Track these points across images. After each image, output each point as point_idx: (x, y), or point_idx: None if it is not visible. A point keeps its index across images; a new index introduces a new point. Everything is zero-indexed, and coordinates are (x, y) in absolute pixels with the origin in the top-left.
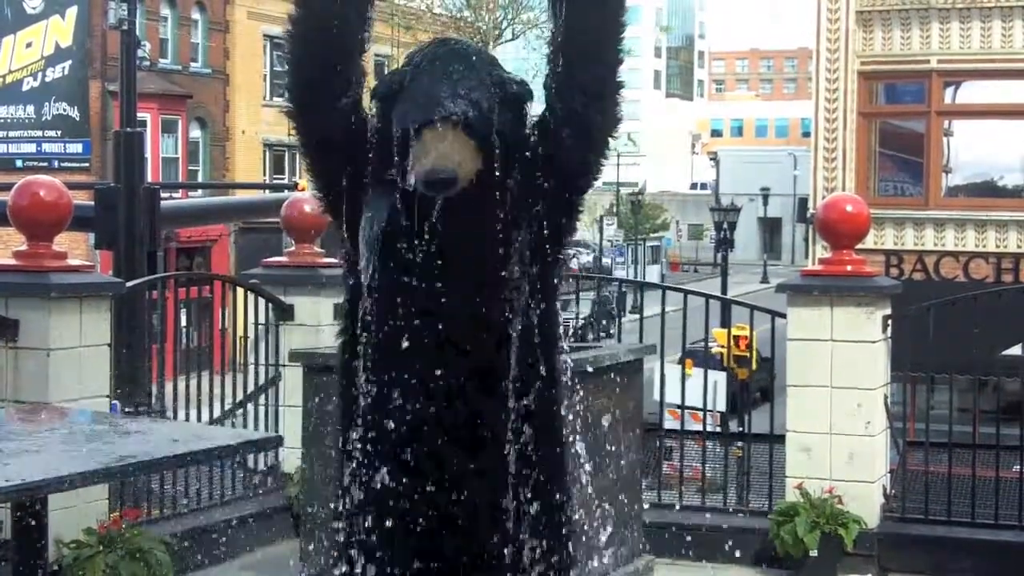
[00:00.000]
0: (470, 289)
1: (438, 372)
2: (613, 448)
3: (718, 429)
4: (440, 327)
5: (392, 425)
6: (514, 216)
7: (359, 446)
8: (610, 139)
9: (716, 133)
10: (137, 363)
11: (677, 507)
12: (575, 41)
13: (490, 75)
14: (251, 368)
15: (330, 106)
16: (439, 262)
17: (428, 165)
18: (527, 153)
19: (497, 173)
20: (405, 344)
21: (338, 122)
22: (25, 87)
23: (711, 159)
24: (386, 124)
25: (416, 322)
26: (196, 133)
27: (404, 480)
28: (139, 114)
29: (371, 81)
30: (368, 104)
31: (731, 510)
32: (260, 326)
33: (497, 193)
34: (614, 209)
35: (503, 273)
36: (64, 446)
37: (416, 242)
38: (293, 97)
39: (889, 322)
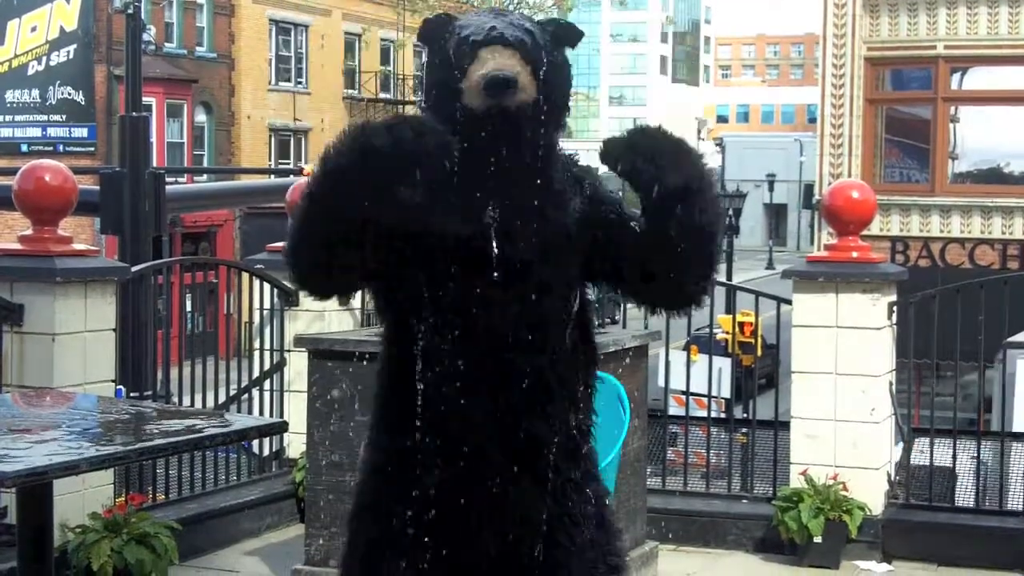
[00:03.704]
0: (534, 292)
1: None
2: None
3: (723, 415)
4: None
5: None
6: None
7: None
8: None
9: (722, 119)
10: (142, 348)
11: (681, 493)
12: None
13: (532, 21)
14: (256, 353)
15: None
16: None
17: (488, 68)
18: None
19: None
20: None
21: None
22: (30, 71)
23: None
24: (439, 57)
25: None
26: (201, 118)
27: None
28: (144, 99)
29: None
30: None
31: (735, 496)
32: (265, 311)
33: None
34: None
35: (566, 280)
36: (69, 431)
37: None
38: (307, 262)
39: (895, 309)
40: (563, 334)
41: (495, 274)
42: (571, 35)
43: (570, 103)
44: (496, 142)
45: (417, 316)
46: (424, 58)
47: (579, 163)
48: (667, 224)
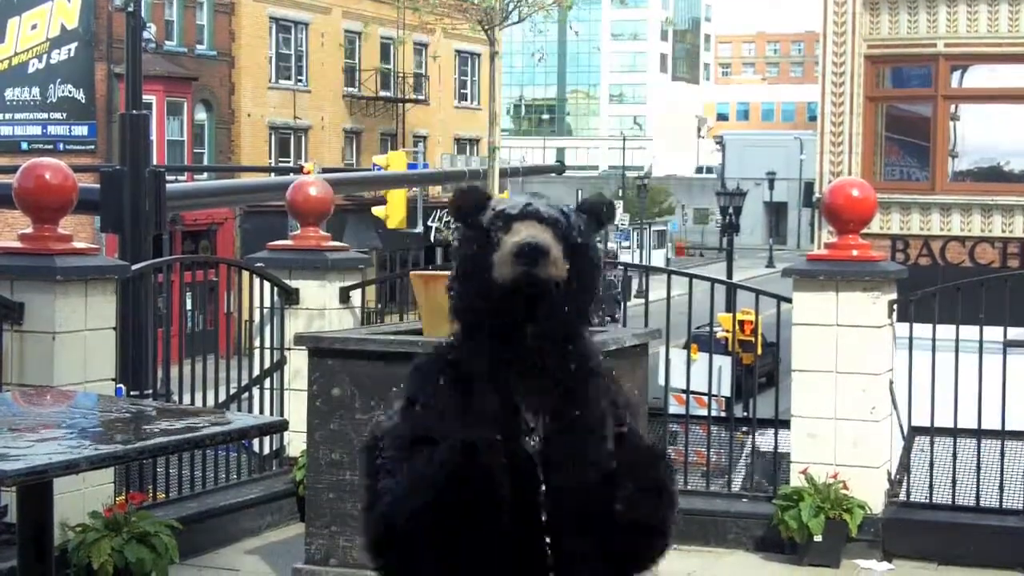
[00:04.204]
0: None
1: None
2: None
3: (723, 414)
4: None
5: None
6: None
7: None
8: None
9: (722, 117)
10: (142, 347)
11: (681, 492)
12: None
13: (571, 211)
14: (256, 352)
15: None
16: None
17: (520, 238)
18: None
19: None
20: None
21: None
22: (31, 69)
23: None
24: (473, 230)
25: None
26: (201, 116)
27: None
28: (144, 97)
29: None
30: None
31: (736, 495)
32: (265, 310)
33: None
34: (619, 193)
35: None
36: (69, 430)
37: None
38: None
39: (895, 307)
40: (596, 539)
41: (526, 485)
42: (607, 211)
43: (598, 289)
44: (525, 314)
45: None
46: (457, 234)
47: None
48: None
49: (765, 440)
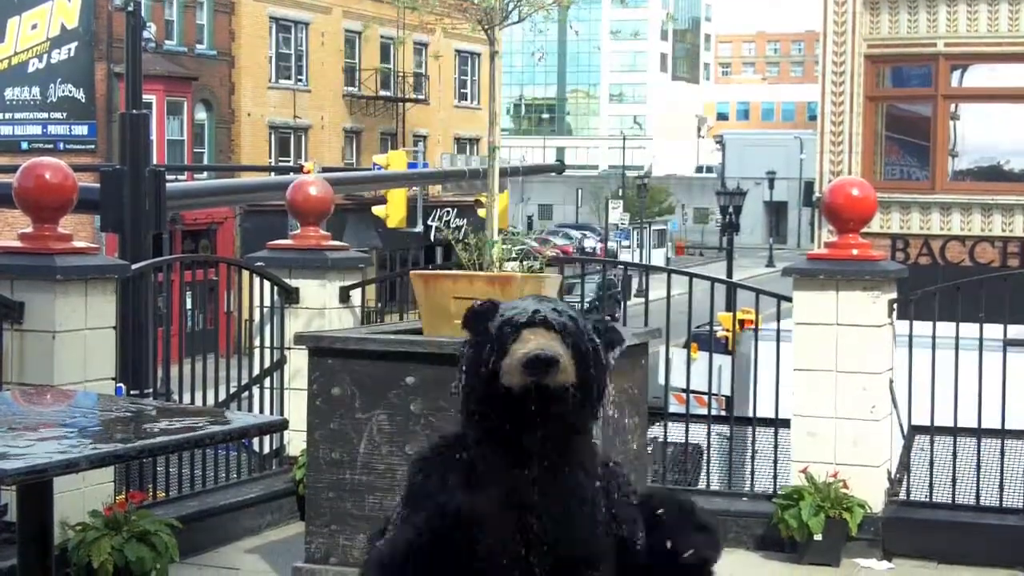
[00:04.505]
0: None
1: None
2: (618, 432)
3: (723, 413)
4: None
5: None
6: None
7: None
8: None
9: (722, 116)
10: (142, 346)
11: (682, 491)
12: None
13: (578, 313)
14: (256, 351)
15: None
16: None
17: (530, 347)
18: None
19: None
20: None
21: None
22: (31, 68)
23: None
24: (481, 338)
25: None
26: (201, 115)
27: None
28: (144, 96)
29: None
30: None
31: (736, 494)
32: (265, 309)
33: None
34: (620, 192)
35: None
36: (70, 429)
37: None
38: None
39: (895, 306)
40: None
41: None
42: (612, 337)
43: (604, 403)
44: (532, 421)
45: None
46: (466, 346)
47: (611, 464)
48: None
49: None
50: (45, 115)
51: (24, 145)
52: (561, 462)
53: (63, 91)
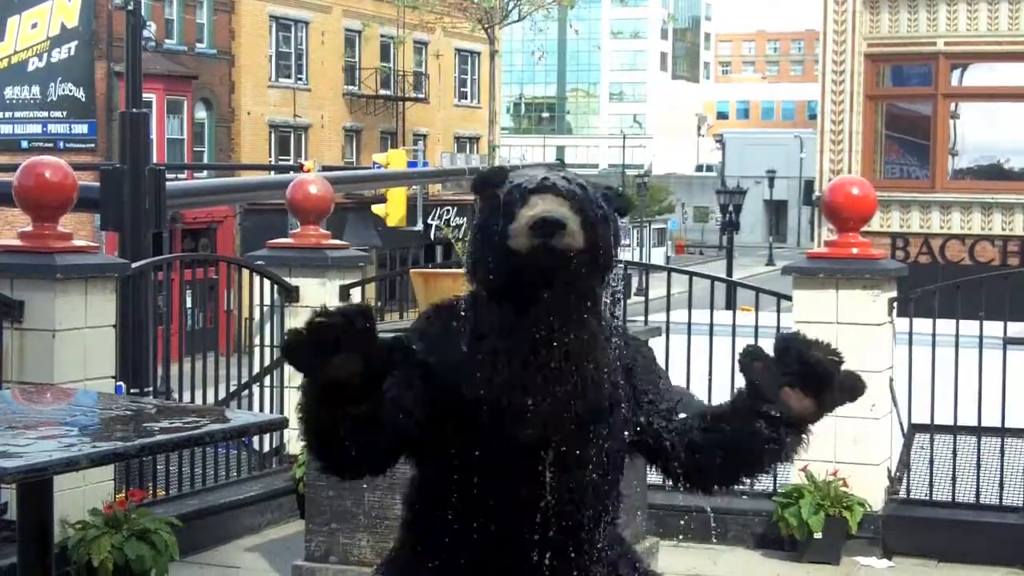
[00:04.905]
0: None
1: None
2: None
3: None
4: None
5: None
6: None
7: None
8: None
9: (722, 115)
10: (142, 344)
11: (681, 489)
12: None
13: (588, 182)
14: (256, 350)
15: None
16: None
17: (538, 210)
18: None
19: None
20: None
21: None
22: (31, 67)
23: (717, 141)
24: (490, 204)
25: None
26: (201, 114)
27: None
28: (144, 95)
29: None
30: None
31: (736, 492)
32: (265, 307)
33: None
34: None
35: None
36: (69, 427)
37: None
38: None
39: (895, 305)
40: (599, 498)
41: (529, 447)
42: (622, 204)
43: (614, 261)
44: (539, 283)
45: (448, 478)
46: (476, 208)
47: (627, 331)
48: (757, 447)
49: None
50: (45, 114)
51: (24, 144)
52: (568, 325)
53: (63, 90)
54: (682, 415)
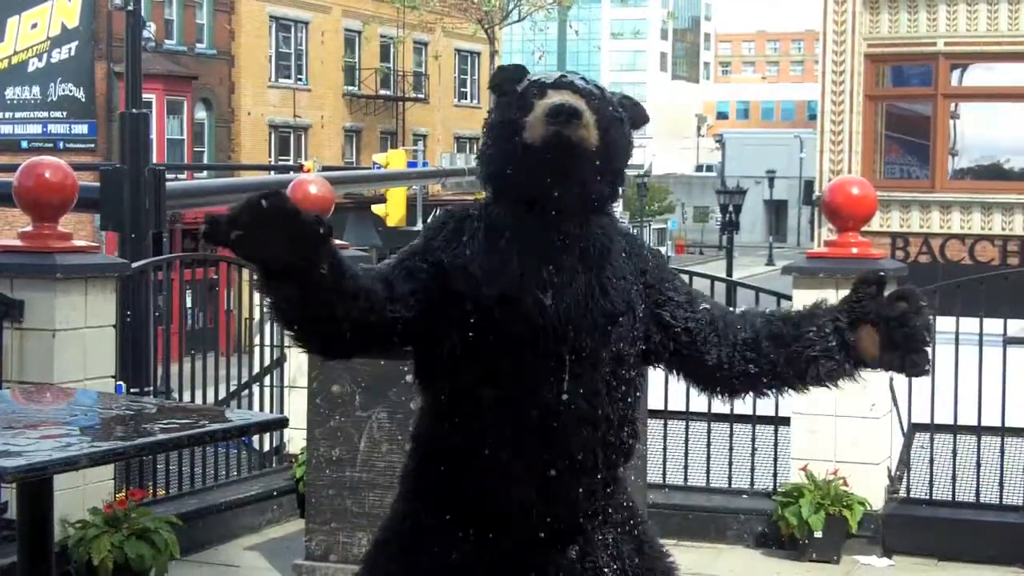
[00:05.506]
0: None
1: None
2: None
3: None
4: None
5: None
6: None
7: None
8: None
9: (722, 115)
10: (142, 344)
11: (682, 488)
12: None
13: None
14: (256, 349)
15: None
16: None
17: (553, 101)
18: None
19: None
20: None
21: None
22: (31, 68)
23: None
24: (507, 99)
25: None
26: (201, 114)
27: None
28: (144, 95)
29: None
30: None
31: (736, 491)
32: (265, 307)
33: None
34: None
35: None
36: (70, 427)
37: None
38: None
39: None
40: (616, 406)
41: (546, 344)
42: (638, 114)
43: (626, 169)
44: (554, 176)
45: (459, 385)
46: (492, 104)
47: (637, 237)
48: (813, 370)
49: None
50: (45, 114)
51: (24, 144)
52: (583, 227)
53: (63, 90)
54: (704, 305)
